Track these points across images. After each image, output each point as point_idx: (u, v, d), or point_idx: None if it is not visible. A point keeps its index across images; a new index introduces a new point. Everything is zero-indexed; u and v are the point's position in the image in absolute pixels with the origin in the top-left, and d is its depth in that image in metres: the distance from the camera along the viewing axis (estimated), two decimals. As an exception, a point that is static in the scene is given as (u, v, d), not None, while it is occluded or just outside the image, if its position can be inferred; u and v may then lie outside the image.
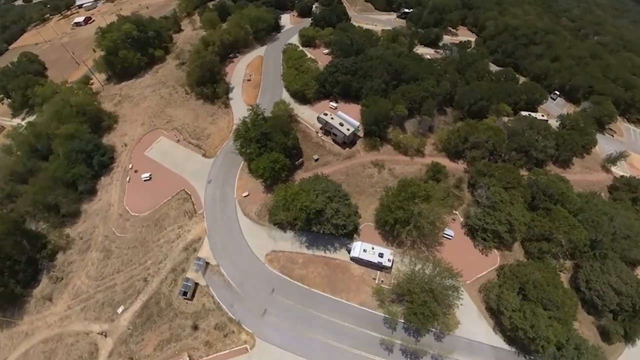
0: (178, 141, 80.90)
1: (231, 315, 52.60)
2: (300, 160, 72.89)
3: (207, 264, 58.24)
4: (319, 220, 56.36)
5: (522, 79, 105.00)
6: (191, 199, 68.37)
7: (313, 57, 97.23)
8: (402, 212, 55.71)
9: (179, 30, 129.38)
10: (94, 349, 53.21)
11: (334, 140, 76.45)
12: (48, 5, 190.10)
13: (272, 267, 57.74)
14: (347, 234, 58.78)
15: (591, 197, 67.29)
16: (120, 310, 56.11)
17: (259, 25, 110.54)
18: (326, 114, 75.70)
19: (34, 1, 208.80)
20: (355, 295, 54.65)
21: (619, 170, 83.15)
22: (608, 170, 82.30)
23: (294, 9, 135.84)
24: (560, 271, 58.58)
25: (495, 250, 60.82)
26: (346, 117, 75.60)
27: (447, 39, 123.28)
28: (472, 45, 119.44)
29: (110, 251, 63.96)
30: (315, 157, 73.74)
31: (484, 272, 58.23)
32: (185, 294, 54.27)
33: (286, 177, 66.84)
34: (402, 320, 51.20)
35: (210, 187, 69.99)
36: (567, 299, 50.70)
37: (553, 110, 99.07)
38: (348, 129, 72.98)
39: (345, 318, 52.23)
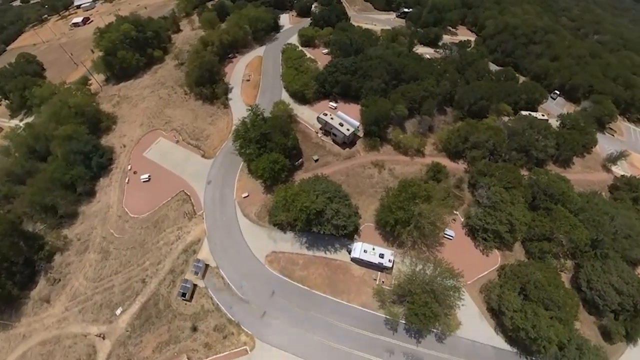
0: (177, 142, 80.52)
1: (230, 317, 52.19)
2: (300, 160, 72.54)
3: (207, 265, 57.86)
4: (319, 221, 56.01)
5: (522, 79, 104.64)
6: (190, 200, 68.00)
7: (312, 57, 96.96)
8: (402, 212, 55.41)
9: (178, 30, 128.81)
10: (92, 351, 52.68)
11: (333, 141, 76.12)
12: (46, 6, 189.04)
13: (272, 269, 57.38)
14: (347, 234, 58.46)
15: (592, 196, 67.18)
16: (118, 312, 55.65)
17: (258, 25, 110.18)
18: (326, 114, 75.38)
19: (31, 2, 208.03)
20: (356, 296, 54.31)
21: (619, 169, 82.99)
22: (608, 170, 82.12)
23: (293, 8, 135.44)
24: (562, 271, 58.34)
25: (496, 251, 60.56)
26: (346, 117, 75.26)
27: (446, 38, 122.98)
28: (472, 45, 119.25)
29: (108, 252, 63.48)
30: (315, 157, 73.41)
31: (485, 273, 57.96)
32: (184, 295, 53.90)
33: (286, 178, 66.49)
34: (403, 321, 50.94)
35: (210, 188, 69.59)
36: (568, 299, 50.48)
37: (553, 110, 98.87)
38: (348, 129, 72.69)
39: (346, 319, 51.86)
